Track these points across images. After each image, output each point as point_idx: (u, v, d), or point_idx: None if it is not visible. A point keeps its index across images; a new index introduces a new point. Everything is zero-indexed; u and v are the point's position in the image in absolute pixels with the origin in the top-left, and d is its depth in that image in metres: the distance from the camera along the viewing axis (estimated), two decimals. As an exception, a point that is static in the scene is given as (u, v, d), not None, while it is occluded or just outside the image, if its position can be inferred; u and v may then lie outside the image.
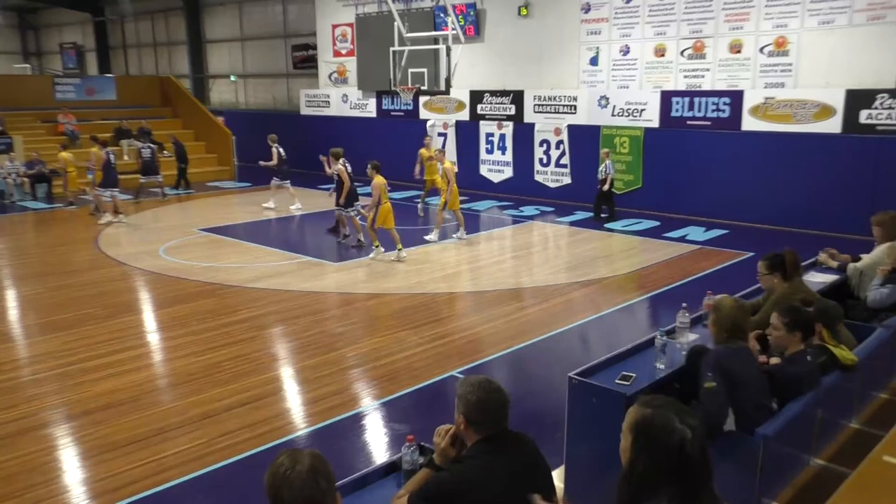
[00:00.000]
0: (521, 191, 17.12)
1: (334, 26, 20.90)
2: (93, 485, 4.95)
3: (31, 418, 5.93)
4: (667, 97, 14.72)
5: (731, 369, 3.79)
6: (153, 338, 8.11)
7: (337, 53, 21.09)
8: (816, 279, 6.28)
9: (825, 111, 12.79)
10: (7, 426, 5.78)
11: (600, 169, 14.45)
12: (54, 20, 33.05)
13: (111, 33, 30.11)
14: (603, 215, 14.55)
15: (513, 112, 17.24)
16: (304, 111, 22.27)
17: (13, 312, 9.05)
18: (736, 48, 13.81)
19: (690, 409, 3.73)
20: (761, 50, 13.52)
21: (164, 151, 20.86)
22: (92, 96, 22.63)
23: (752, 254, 11.19)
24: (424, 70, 15.02)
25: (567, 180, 16.52)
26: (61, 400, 6.29)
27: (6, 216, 15.58)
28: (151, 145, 17.86)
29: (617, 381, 4.15)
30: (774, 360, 4.32)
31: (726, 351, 3.93)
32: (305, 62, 22.82)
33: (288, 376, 6.99)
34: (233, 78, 25.57)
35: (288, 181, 16.30)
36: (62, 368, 6.97)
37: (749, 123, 13.71)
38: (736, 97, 13.82)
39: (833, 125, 12.73)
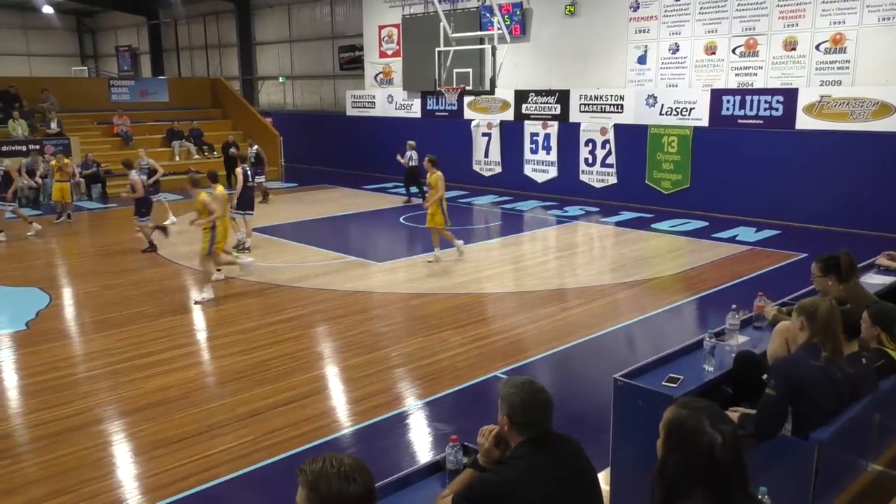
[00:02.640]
0: (566, 191, 16.99)
1: (380, 27, 21.04)
2: (145, 480, 5.06)
3: (86, 414, 6.09)
4: (717, 96, 14.45)
5: (802, 378, 3.67)
6: (202, 336, 8.27)
7: (383, 54, 21.22)
8: (874, 281, 6.08)
9: (884, 109, 12.41)
10: (63, 422, 5.94)
11: (406, 156, 16.52)
12: (110, 23, 33.97)
13: (164, 36, 30.83)
14: (413, 190, 16.57)
15: (558, 111, 17.11)
16: (350, 112, 22.46)
17: (69, 310, 9.31)
18: (790, 45, 13.50)
19: (746, 412, 3.67)
20: (817, 47, 13.18)
21: (214, 153, 21.34)
22: (145, 98, 23.22)
23: (805, 255, 10.91)
24: (469, 70, 15.02)
25: (613, 180, 16.34)
26: (114, 397, 6.45)
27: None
28: (256, 146, 16.98)
29: (664, 383, 4.08)
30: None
31: (801, 357, 3.79)
32: (352, 63, 23.03)
33: (332, 375, 7.05)
34: (281, 79, 25.94)
35: (159, 195, 14.55)
36: (115, 366, 7.14)
37: (803, 122, 13.37)
38: (790, 95, 13.49)
39: (892, 124, 12.35)
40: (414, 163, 16.39)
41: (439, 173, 10.80)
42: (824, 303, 3.94)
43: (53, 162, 15.07)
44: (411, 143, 16.89)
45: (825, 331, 3.83)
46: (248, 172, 12.23)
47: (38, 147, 17.78)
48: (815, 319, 3.84)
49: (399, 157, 16.73)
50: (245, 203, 12.01)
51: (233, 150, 18.04)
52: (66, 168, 14.87)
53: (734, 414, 3.83)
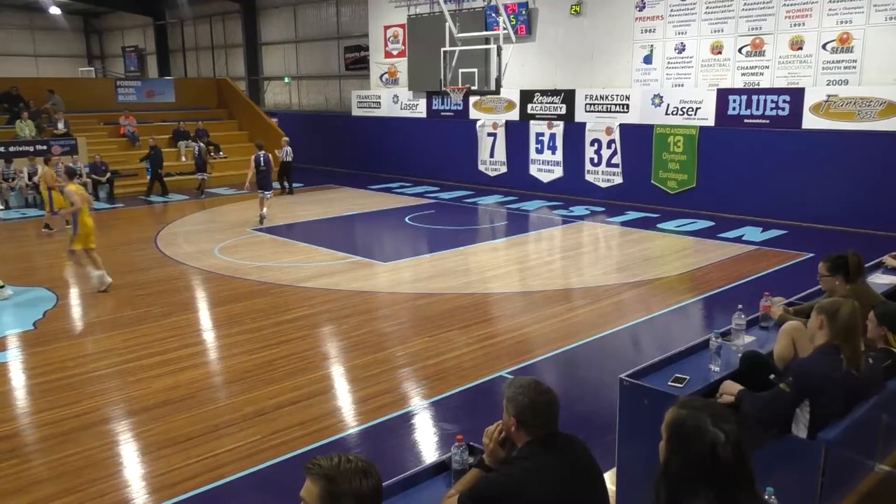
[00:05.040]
0: (571, 191, 16.97)
1: (386, 27, 21.05)
2: (152, 480, 5.08)
3: (93, 414, 6.11)
4: (723, 95, 14.42)
5: (819, 381, 3.65)
6: (208, 336, 8.29)
7: (388, 54, 21.24)
8: (881, 281, 6.07)
9: (891, 109, 12.36)
10: (71, 421, 5.96)
11: (282, 151, 17.75)
12: (117, 24, 34.07)
13: (171, 37, 30.90)
14: (285, 186, 18.31)
15: (563, 111, 17.09)
16: (356, 112, 22.49)
17: (76, 310, 9.35)
18: (797, 45, 13.45)
19: (749, 393, 3.66)
20: (824, 46, 13.14)
21: (221, 153, 21.39)
22: (152, 98, 23.26)
23: (811, 255, 10.88)
24: (475, 70, 15.04)
25: (618, 180, 16.31)
26: (121, 396, 6.47)
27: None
28: (199, 144, 19.14)
29: (670, 383, 4.08)
30: None
31: (821, 360, 3.76)
32: (357, 63, 23.05)
33: (338, 375, 7.06)
34: (286, 80, 25.97)
35: None
36: (122, 365, 7.17)
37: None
38: (796, 95, 13.45)
39: (899, 123, 12.32)
40: (289, 158, 18.46)
41: (73, 186, 9.98)
42: (847, 304, 3.84)
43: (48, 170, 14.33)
44: (286, 139, 18.65)
45: (846, 334, 3.76)
46: (261, 159, 14.67)
47: (45, 148, 17.85)
48: (837, 321, 3.75)
49: (276, 152, 17.90)
50: (262, 183, 14.69)
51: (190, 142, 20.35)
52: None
53: (732, 388, 3.82)
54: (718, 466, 2.23)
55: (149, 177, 18.68)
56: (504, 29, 14.71)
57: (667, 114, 15.28)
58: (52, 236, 13.63)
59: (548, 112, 17.42)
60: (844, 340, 3.75)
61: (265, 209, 14.52)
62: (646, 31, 15.51)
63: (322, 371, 7.07)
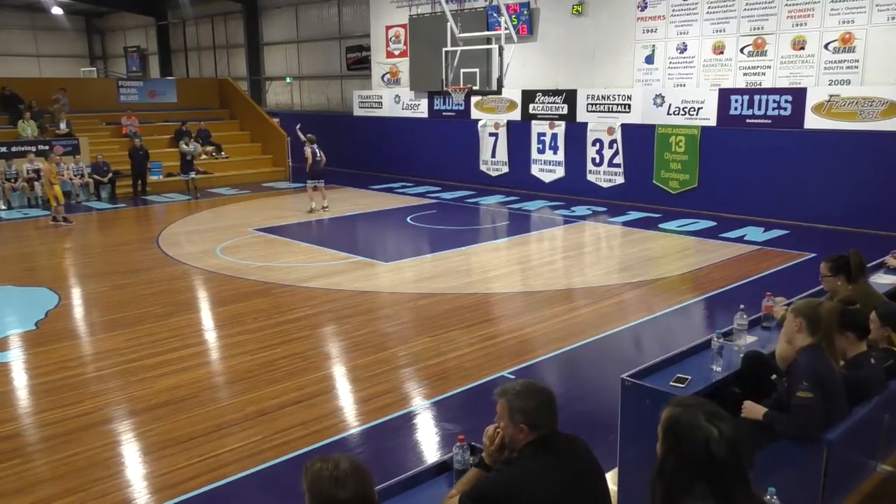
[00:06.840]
0: (573, 191, 16.96)
1: (388, 27, 21.06)
2: (154, 480, 5.08)
3: (95, 414, 6.11)
4: (725, 95, 14.41)
5: (824, 376, 3.66)
6: (210, 336, 8.29)
7: (390, 55, 21.24)
8: (883, 281, 6.07)
9: (893, 109, 12.34)
10: (73, 421, 5.97)
11: (308, 150, 15.87)
12: (119, 24, 34.10)
13: (173, 37, 30.91)
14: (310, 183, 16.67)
15: (565, 111, 17.09)
16: (357, 112, 22.49)
17: (78, 310, 9.36)
18: (799, 45, 13.44)
19: (777, 415, 3.66)
20: (826, 46, 13.12)
21: (223, 153, 21.41)
22: (154, 99, 23.26)
23: (813, 255, 10.88)
24: (476, 70, 15.04)
25: (620, 180, 16.31)
26: (123, 396, 6.47)
27: (72, 216, 16.10)
28: (191, 144, 19.47)
29: (671, 383, 4.08)
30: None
31: (819, 355, 3.78)
32: (359, 63, 23.06)
33: (340, 375, 7.06)
34: (288, 80, 25.99)
35: None
36: (124, 365, 7.17)
37: (812, 122, 13.32)
38: (798, 95, 13.44)
39: (901, 123, 12.30)
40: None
41: None
42: (826, 305, 3.91)
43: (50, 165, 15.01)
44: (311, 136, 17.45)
45: (828, 335, 3.81)
46: (316, 151, 15.53)
47: (47, 147, 17.85)
48: (820, 323, 3.80)
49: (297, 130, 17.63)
50: (316, 174, 15.63)
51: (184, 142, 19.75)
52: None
53: (756, 410, 3.80)
54: (713, 463, 2.24)
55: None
56: (505, 29, 14.71)
57: (668, 114, 15.27)
58: (70, 230, 13.77)
59: (549, 112, 17.42)
60: (827, 341, 3.78)
61: (324, 198, 15.74)
62: (647, 31, 15.50)
63: (324, 371, 7.08)
